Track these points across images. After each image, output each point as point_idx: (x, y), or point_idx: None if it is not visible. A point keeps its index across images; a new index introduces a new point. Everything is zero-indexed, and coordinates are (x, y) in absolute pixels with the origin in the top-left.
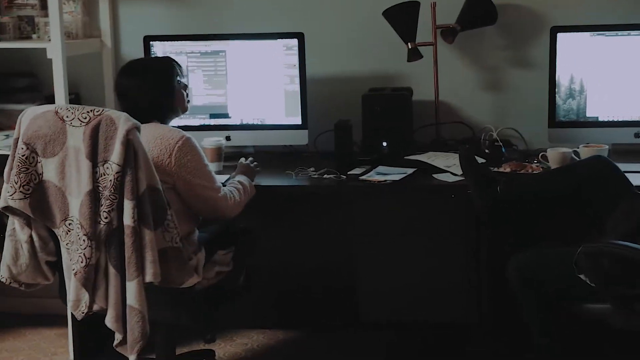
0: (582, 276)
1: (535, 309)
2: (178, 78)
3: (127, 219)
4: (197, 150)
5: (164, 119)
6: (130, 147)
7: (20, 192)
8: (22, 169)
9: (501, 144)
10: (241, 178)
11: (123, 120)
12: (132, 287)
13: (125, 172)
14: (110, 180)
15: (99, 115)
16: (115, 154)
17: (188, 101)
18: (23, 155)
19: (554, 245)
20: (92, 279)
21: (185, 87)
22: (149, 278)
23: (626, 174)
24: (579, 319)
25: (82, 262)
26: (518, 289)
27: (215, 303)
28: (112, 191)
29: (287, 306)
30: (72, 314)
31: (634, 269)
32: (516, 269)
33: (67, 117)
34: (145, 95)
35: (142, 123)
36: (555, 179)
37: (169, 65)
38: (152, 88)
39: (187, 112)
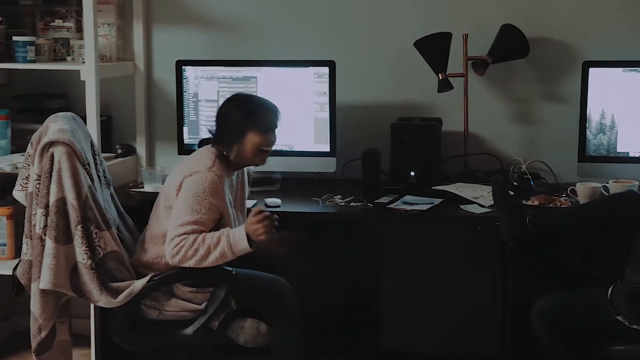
0: (619, 317)
1: (561, 353)
2: (246, 123)
3: (37, 226)
4: (199, 187)
5: (217, 147)
6: (48, 159)
7: (20, 184)
8: (24, 165)
9: (530, 177)
10: (228, 237)
11: (50, 133)
12: (32, 288)
13: (41, 181)
14: (33, 186)
15: (47, 125)
16: (35, 164)
17: (261, 153)
18: (27, 153)
19: (582, 285)
20: (27, 274)
21: (254, 131)
22: (41, 284)
23: None
24: None
25: (21, 257)
26: (543, 334)
27: (167, 337)
28: (35, 197)
29: (310, 332)
30: (95, 334)
31: None
32: (540, 313)
33: (46, 123)
34: (216, 119)
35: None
36: (586, 213)
37: (241, 105)
38: (220, 114)
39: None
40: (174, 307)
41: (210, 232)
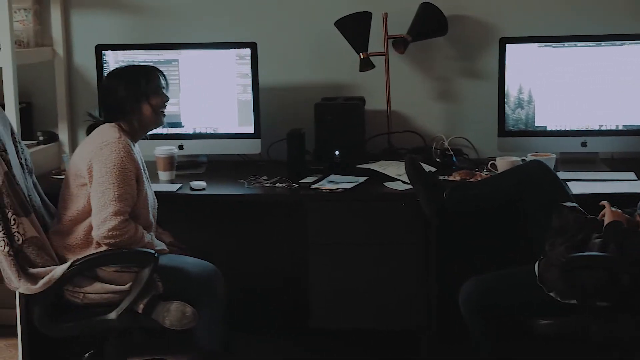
0: (552, 294)
1: (487, 337)
2: (139, 92)
3: None
4: (116, 157)
5: (117, 122)
6: None
7: None
8: None
9: (452, 152)
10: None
11: None
12: None
13: None
14: None
15: None
16: None
17: (161, 114)
18: None
19: (502, 262)
20: None
21: (149, 97)
22: None
23: (572, 182)
24: (531, 336)
25: None
26: (470, 319)
27: (92, 322)
28: None
29: (238, 312)
30: (21, 324)
31: (607, 279)
32: (466, 299)
33: None
34: (101, 98)
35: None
36: (497, 183)
37: (126, 78)
38: (107, 91)
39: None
40: (98, 290)
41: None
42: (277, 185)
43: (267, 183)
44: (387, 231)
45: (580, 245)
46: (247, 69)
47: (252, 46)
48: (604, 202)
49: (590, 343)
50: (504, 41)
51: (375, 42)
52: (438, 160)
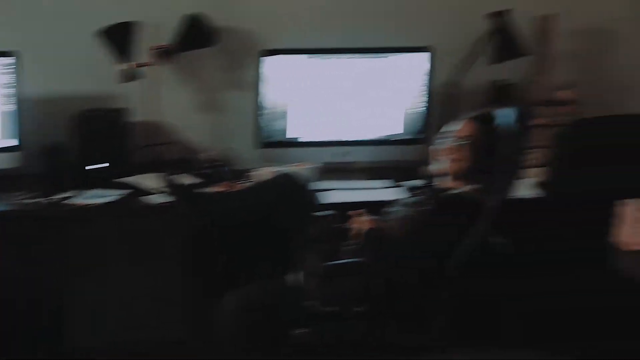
0: (312, 302)
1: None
2: None
3: None
4: None
5: None
6: None
7: None
8: None
9: (217, 164)
10: None
11: None
12: None
13: None
14: None
15: None
16: None
17: None
18: None
19: (263, 274)
20: None
21: None
22: None
23: (332, 192)
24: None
25: None
26: (230, 333)
27: None
28: None
29: None
30: None
31: (362, 284)
32: (226, 315)
33: None
34: None
35: None
36: (249, 196)
37: None
38: None
39: None
40: None
41: None
42: (32, 200)
43: (21, 199)
44: (149, 244)
45: (334, 253)
46: (9, 79)
47: (15, 55)
48: (355, 211)
49: (356, 349)
50: (263, 53)
51: (142, 53)
52: (202, 171)
